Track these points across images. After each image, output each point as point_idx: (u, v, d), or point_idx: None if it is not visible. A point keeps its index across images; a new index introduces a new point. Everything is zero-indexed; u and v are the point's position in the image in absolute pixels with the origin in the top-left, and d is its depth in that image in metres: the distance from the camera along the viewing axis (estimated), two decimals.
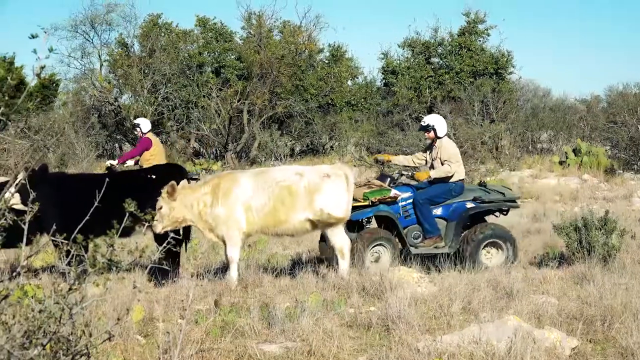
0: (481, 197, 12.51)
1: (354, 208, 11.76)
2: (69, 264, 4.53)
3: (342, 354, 7.54)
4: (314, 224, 11.13)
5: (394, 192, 12.23)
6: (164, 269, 10.50)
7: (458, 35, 39.98)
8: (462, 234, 12.46)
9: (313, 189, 10.90)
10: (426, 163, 12.83)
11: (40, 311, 4.24)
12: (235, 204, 10.78)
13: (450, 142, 12.75)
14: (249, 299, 9.79)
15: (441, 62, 40.24)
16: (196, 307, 9.08)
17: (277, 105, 37.40)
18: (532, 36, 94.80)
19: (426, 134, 12.81)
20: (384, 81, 41.57)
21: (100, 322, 7.18)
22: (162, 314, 8.54)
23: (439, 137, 12.56)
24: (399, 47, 41.22)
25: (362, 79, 42.89)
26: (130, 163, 16.03)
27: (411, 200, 12.35)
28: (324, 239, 12.07)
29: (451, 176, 12.38)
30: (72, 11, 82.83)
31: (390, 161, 13.14)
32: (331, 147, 38.66)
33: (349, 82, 42.08)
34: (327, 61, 41.55)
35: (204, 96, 36.93)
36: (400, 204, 12.31)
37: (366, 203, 11.98)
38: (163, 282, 10.85)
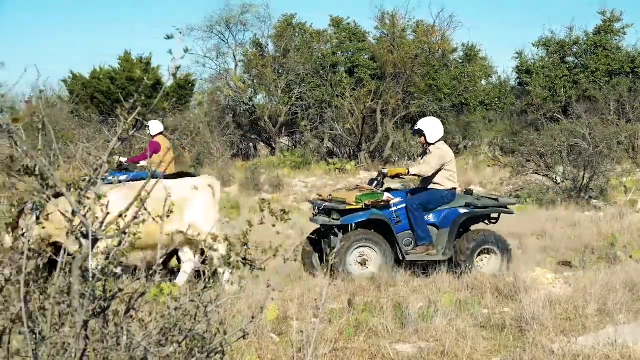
0: (474, 203, 12.20)
1: (347, 212, 11.63)
2: (203, 262, 4.54)
3: (476, 355, 7.44)
4: (184, 238, 10.58)
5: (386, 195, 11.92)
6: None
7: (593, 34, 39.20)
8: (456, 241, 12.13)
9: (182, 203, 10.32)
10: None
11: (176, 309, 4.26)
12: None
13: (440, 149, 12.17)
14: (382, 299, 9.77)
15: (576, 61, 39.46)
16: (330, 306, 9.12)
17: (411, 105, 37.21)
18: None
19: (419, 138, 12.47)
20: (518, 80, 41.04)
21: (235, 320, 7.23)
22: (296, 313, 8.57)
23: (430, 143, 12.17)
24: (534, 46, 40.88)
25: (496, 79, 42.39)
26: (142, 164, 15.97)
27: (403, 206, 12.01)
28: (312, 242, 12.17)
29: (431, 181, 12.10)
30: (207, 12, 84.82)
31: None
32: (464, 146, 38.23)
33: (483, 82, 41.61)
34: (460, 61, 41.16)
35: (337, 96, 37.04)
36: (392, 209, 11.96)
37: (359, 206, 11.66)
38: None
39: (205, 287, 4.44)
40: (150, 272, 4.28)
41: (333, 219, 11.72)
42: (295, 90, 37.55)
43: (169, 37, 4.22)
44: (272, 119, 38.15)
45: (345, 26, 40.43)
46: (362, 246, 11.59)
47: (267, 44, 40.58)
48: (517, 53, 40.69)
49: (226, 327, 4.61)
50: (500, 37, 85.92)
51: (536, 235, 15.94)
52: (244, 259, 4.59)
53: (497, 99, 39.97)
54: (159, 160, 15.39)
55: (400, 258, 11.79)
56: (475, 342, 7.67)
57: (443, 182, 12.06)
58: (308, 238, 12.41)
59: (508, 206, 12.63)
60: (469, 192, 12.77)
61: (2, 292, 3.92)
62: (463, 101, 39.14)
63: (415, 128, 12.33)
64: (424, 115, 37.60)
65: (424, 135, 12.15)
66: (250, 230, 4.53)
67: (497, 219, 12.54)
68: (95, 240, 4.05)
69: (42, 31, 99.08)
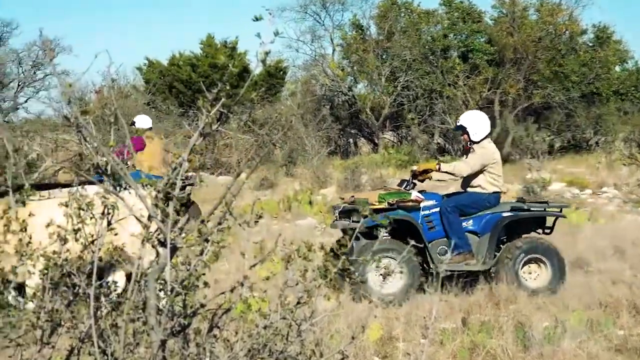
0: (520, 207, 11.92)
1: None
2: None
3: None
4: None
5: (415, 194, 11.66)
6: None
7: None
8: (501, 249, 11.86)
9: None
10: None
11: (265, 327, 4.25)
12: None
13: (484, 148, 11.95)
14: (502, 317, 9.66)
15: None
16: (441, 326, 9.06)
17: (534, 95, 36.81)
18: None
19: (461, 135, 12.23)
20: None
21: (333, 340, 7.21)
22: (402, 333, 8.56)
23: (474, 142, 11.94)
24: None
25: (633, 64, 41.58)
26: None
27: (437, 210, 11.73)
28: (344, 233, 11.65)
29: (476, 184, 11.84)
30: None
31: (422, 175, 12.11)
32: (596, 142, 37.64)
33: (617, 68, 40.91)
34: (591, 44, 40.45)
35: (449, 84, 36.83)
36: (422, 212, 11.67)
37: (382, 206, 11.41)
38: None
39: (298, 303, 4.42)
40: (236, 285, 4.27)
41: (353, 221, 11.57)
42: (401, 79, 37.48)
43: (257, 19, 4.19)
44: (374, 111, 38.15)
45: (458, 5, 40.14)
46: (384, 257, 11.13)
47: (369, 26, 40.66)
48: None
49: (322, 348, 4.59)
50: (638, 17, 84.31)
51: None
52: (343, 270, 4.55)
53: (633, 88, 39.29)
54: (143, 159, 15.52)
55: (431, 268, 11.53)
56: None
57: (485, 185, 11.88)
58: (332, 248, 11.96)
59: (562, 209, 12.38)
60: (521, 200, 12.62)
61: (70, 308, 3.95)
62: (594, 90, 38.52)
63: (457, 124, 12.21)
64: (549, 106, 37.26)
65: (467, 133, 12.00)
66: (350, 238, 4.49)
67: (551, 228, 12.27)
68: (174, 249, 4.05)
69: (114, 13, 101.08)
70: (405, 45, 37.47)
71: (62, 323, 4.04)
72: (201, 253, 4.14)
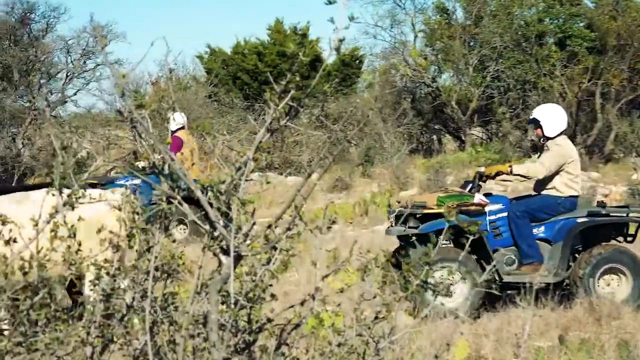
0: (598, 212, 11.68)
1: (425, 217, 11.24)
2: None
3: None
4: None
5: (478, 197, 11.45)
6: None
7: None
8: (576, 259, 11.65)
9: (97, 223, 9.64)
10: None
11: (339, 345, 4.25)
12: None
13: (560, 145, 11.77)
14: (603, 335, 9.58)
15: None
16: (535, 344, 9.04)
17: (639, 87, 36.37)
18: None
19: (534, 130, 12.05)
20: None
21: (414, 359, 7.21)
22: (491, 352, 8.55)
23: (548, 137, 11.78)
24: None
25: None
26: None
27: (504, 215, 11.55)
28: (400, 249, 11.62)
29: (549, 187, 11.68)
30: None
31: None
32: None
33: None
34: None
35: (544, 75, 36.54)
36: (488, 217, 11.47)
37: (440, 210, 11.17)
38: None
39: (376, 318, 4.40)
40: (307, 297, 4.27)
41: (409, 227, 11.49)
42: (491, 68, 37.30)
43: (330, 2, 4.18)
44: (461, 105, 38.01)
45: None
46: (444, 267, 10.92)
47: (455, 9, 40.53)
48: None
49: None
50: None
51: None
52: (425, 282, 4.53)
53: None
54: (181, 160, 15.68)
55: (496, 280, 11.37)
56: None
57: (560, 187, 11.74)
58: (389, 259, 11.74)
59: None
60: (601, 205, 12.31)
61: (124, 322, 3.97)
62: None
63: (530, 117, 12.13)
64: None
65: (541, 127, 11.87)
66: (434, 247, 4.46)
67: (634, 235, 12.00)
68: (239, 258, 4.06)
69: None
70: (496, 30, 37.26)
71: (115, 339, 4.06)
72: (268, 262, 4.14)
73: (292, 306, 4.42)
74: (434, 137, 41.10)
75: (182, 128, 17.16)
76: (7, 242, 3.98)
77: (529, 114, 34.64)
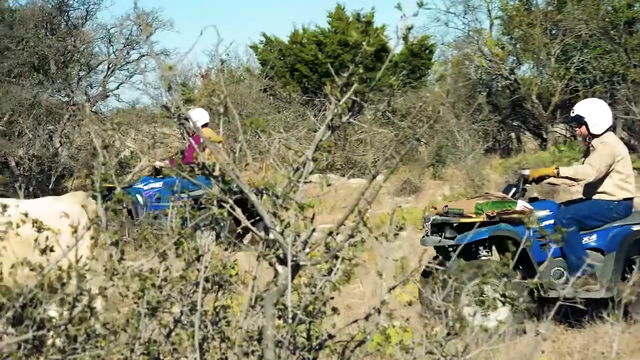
0: None
1: (462, 227, 11.12)
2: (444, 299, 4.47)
3: None
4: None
5: (521, 204, 11.26)
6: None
7: None
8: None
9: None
10: None
11: None
12: None
13: (606, 143, 11.62)
14: None
15: None
16: None
17: None
18: None
19: (577, 128, 11.95)
20: None
21: None
22: None
23: (594, 135, 11.65)
24: None
25: None
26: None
27: (550, 222, 11.32)
28: (427, 274, 11.19)
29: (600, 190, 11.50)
30: None
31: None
32: None
33: None
34: None
35: (634, 66, 36.24)
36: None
37: (480, 219, 11.07)
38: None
39: (448, 334, 4.38)
40: (372, 311, 4.25)
41: (445, 237, 11.39)
42: (575, 59, 37.06)
43: None
44: (542, 99, 37.79)
45: None
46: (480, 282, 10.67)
47: None
48: None
49: None
50: None
51: None
52: (503, 295, 4.51)
53: None
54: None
55: (541, 294, 11.15)
56: None
57: (612, 190, 11.58)
58: (424, 269, 11.32)
59: None
60: None
61: (170, 338, 3.98)
62: None
63: (572, 114, 12.01)
64: None
65: (585, 124, 11.77)
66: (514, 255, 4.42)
67: None
68: (297, 267, 4.05)
69: None
70: (581, 17, 36.98)
71: (161, 357, 4.07)
72: (329, 272, 4.13)
73: (355, 321, 4.41)
74: (512, 134, 40.91)
75: (206, 125, 17.42)
76: (42, 251, 4.00)
77: (617, 109, 34.42)
